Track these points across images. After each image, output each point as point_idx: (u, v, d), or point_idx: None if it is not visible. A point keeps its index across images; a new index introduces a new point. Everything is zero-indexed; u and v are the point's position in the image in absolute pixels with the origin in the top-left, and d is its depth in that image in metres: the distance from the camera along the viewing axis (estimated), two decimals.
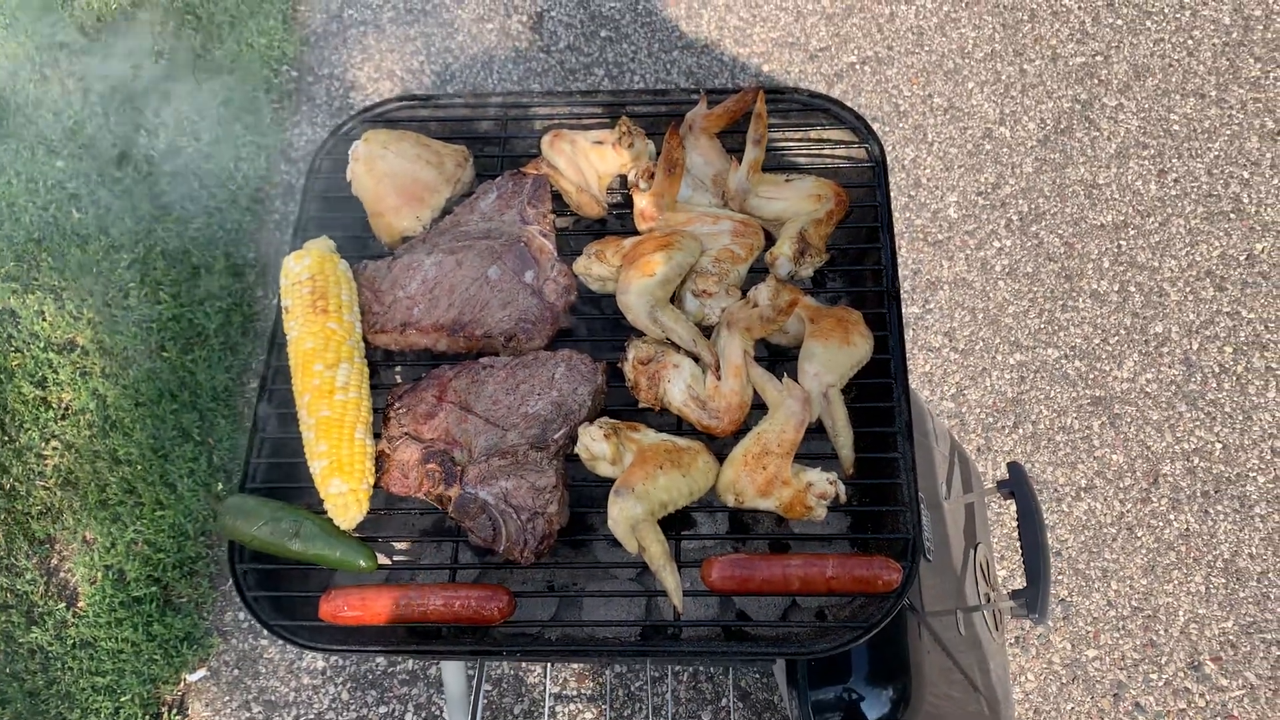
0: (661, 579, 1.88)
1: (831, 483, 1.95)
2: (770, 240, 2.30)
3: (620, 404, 2.20)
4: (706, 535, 2.06)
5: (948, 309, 4.31)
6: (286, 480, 2.14)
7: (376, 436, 2.12)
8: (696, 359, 2.06)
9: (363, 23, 5.22)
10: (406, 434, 2.08)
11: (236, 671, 3.75)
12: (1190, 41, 4.93)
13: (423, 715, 3.62)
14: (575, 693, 3.62)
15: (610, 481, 1.99)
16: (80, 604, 3.82)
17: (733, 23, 5.10)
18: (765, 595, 2.08)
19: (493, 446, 2.03)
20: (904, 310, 4.30)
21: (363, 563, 1.97)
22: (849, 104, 4.67)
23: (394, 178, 2.31)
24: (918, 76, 4.90)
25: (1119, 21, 5.00)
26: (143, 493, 3.93)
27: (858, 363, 2.09)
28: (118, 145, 4.71)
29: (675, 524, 2.07)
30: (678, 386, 2.04)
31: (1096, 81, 4.84)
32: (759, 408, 2.06)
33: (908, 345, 4.21)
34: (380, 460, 2.07)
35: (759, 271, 2.25)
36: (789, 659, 2.23)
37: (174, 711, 3.67)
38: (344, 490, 1.98)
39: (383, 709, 3.64)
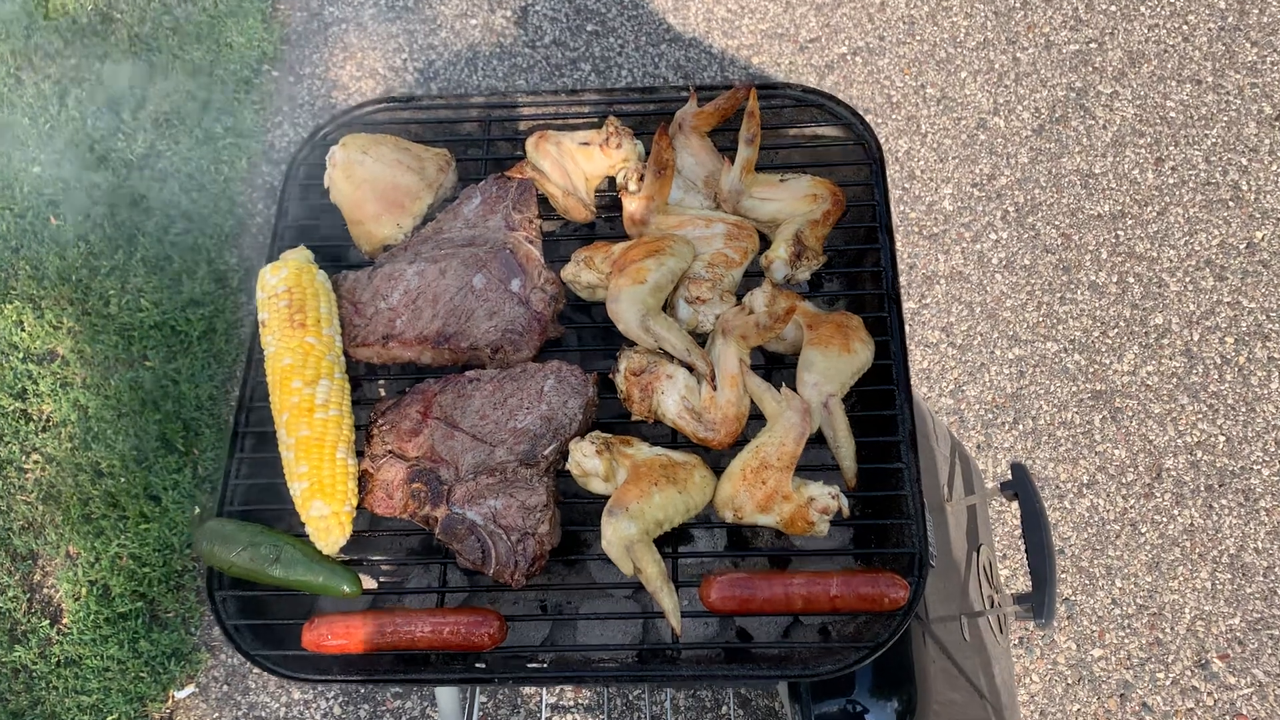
0: (659, 600, 1.80)
1: (834, 497, 1.88)
2: (765, 243, 2.22)
3: (612, 415, 2.13)
4: (705, 553, 1.99)
5: (944, 304, 4.23)
6: (266, 502, 2.06)
7: (359, 454, 2.04)
8: (691, 369, 1.98)
9: (343, 20, 5.12)
10: (390, 452, 2.00)
11: (226, 687, 3.67)
12: (1185, 26, 4.85)
13: None
14: (572, 702, 3.55)
15: (603, 497, 1.91)
16: (64, 621, 3.74)
17: (720, 14, 5.01)
18: (767, 615, 2.01)
19: (480, 464, 1.95)
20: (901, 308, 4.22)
21: (346, 588, 1.89)
22: (841, 96, 4.61)
23: (373, 184, 2.22)
24: (910, 67, 4.82)
25: (1113, 7, 4.92)
26: (126, 506, 3.84)
27: (858, 370, 2.02)
28: (95, 149, 4.61)
29: (672, 540, 1.99)
30: (672, 398, 1.96)
31: (1091, 69, 4.77)
32: (756, 418, 1.98)
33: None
34: (363, 480, 1.99)
35: (754, 275, 2.17)
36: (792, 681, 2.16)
37: None
38: (326, 513, 1.90)
39: None
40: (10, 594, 3.74)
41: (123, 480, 3.89)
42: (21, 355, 4.12)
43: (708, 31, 4.96)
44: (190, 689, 3.67)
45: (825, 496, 1.87)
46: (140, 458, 3.93)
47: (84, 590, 3.73)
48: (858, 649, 1.83)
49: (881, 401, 2.05)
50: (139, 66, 4.87)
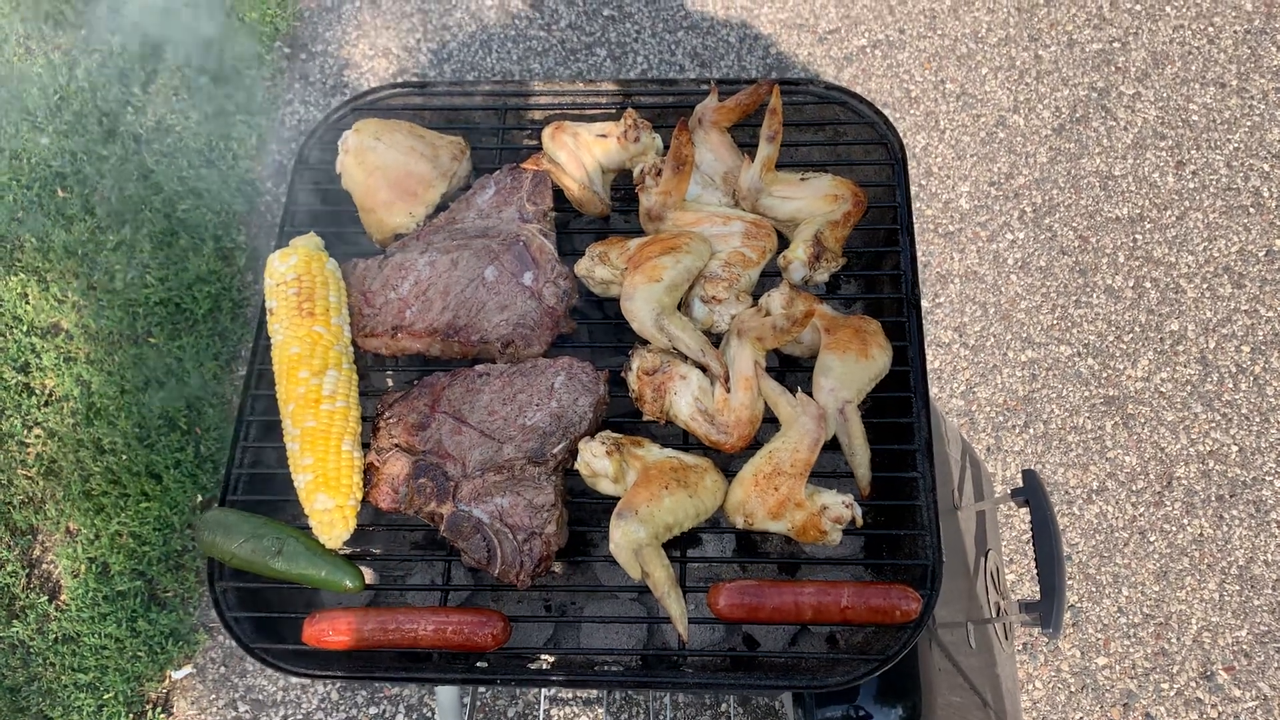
0: (665, 606, 1.77)
1: (847, 506, 1.84)
2: (783, 242, 2.17)
3: (622, 413, 2.09)
4: (713, 558, 1.95)
5: (958, 303, 4.19)
6: (270, 492, 2.03)
7: (365, 446, 2.00)
8: (705, 370, 1.94)
9: None
10: (397, 446, 1.96)
11: (223, 669, 3.65)
12: (1211, 28, 4.78)
13: (414, 717, 3.53)
14: (571, 696, 3.53)
15: (612, 498, 1.88)
16: (63, 597, 3.72)
17: (740, 2, 4.94)
18: (775, 624, 1.98)
19: (488, 460, 1.92)
20: None
21: (349, 583, 1.86)
22: (858, 89, 4.55)
23: (386, 171, 2.18)
24: (930, 61, 4.75)
25: (1138, 7, 4.85)
26: (127, 483, 3.81)
27: (876, 376, 1.97)
28: (104, 122, 4.56)
29: (680, 544, 1.96)
30: (685, 399, 1.92)
31: (1114, 69, 4.70)
32: (770, 422, 1.94)
33: None
34: (369, 473, 1.95)
35: (771, 275, 2.13)
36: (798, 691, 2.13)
37: (159, 710, 3.57)
38: (330, 507, 1.87)
39: (373, 710, 3.55)
40: (9, 569, 3.72)
41: (124, 457, 3.87)
42: (25, 328, 4.09)
43: (726, 19, 4.90)
44: (188, 669, 3.65)
45: (839, 505, 1.84)
46: (142, 435, 3.90)
47: (83, 567, 3.71)
48: (866, 661, 1.80)
49: (898, 409, 2.01)
50: (150, 39, 4.81)
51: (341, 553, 1.93)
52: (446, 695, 2.75)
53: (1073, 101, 4.62)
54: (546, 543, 1.85)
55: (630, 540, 1.77)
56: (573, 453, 1.94)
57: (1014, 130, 4.57)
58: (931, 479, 1.91)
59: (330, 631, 1.82)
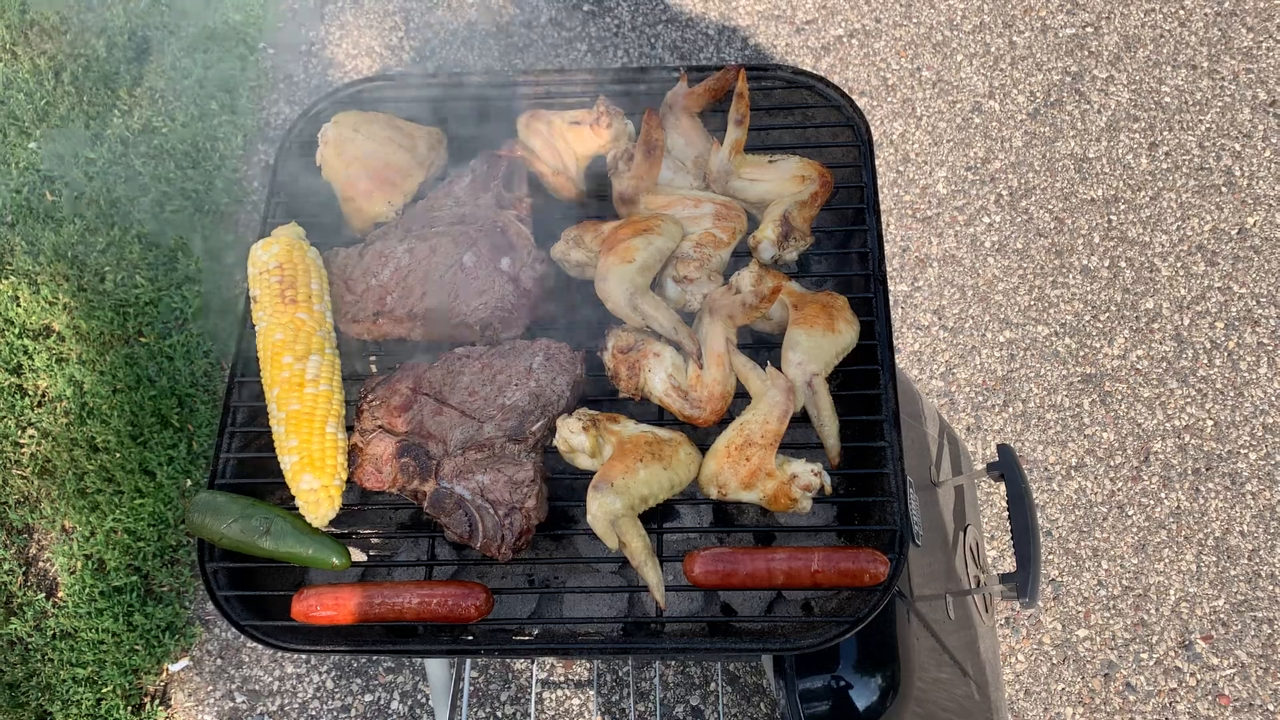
0: (643, 575, 1.83)
1: (816, 474, 1.90)
2: (753, 223, 2.24)
3: (600, 393, 2.15)
4: (690, 528, 2.02)
5: (937, 286, 4.25)
6: (258, 475, 2.08)
7: (350, 429, 2.06)
8: (678, 347, 2.00)
9: None
10: (380, 427, 2.02)
11: (219, 661, 3.70)
12: (1182, 11, 4.85)
13: (408, 703, 3.59)
14: (562, 678, 3.59)
15: (590, 473, 1.94)
16: (59, 594, 3.77)
17: None
18: (749, 590, 2.04)
19: (468, 439, 1.98)
20: (893, 288, 4.24)
21: (335, 560, 1.91)
22: (836, 78, 4.61)
23: (365, 161, 2.24)
24: (906, 49, 4.82)
25: None
26: (121, 481, 3.86)
27: (843, 350, 2.04)
28: (91, 125, 4.61)
29: (657, 516, 2.02)
30: (659, 376, 1.98)
31: (1087, 53, 4.77)
32: (742, 397, 2.01)
33: (896, 324, 4.16)
34: (353, 454, 2.01)
35: (742, 255, 2.19)
36: (774, 655, 2.19)
37: (156, 702, 3.63)
38: (315, 486, 1.92)
39: (368, 697, 3.61)
40: (6, 567, 3.77)
41: (118, 455, 3.92)
42: (17, 331, 4.14)
43: (704, 12, 4.95)
44: (184, 662, 3.70)
45: (808, 473, 1.90)
46: (135, 433, 3.95)
47: (79, 564, 3.76)
48: (838, 623, 1.86)
49: (866, 381, 2.07)
50: (135, 41, 4.86)
51: (329, 532, 1.99)
52: (437, 676, 2.81)
53: (1047, 86, 4.69)
54: (527, 516, 1.91)
55: (606, 511, 1.83)
56: (552, 430, 2.00)
57: (989, 115, 4.63)
58: (899, 448, 1.97)
59: (318, 607, 1.88)
